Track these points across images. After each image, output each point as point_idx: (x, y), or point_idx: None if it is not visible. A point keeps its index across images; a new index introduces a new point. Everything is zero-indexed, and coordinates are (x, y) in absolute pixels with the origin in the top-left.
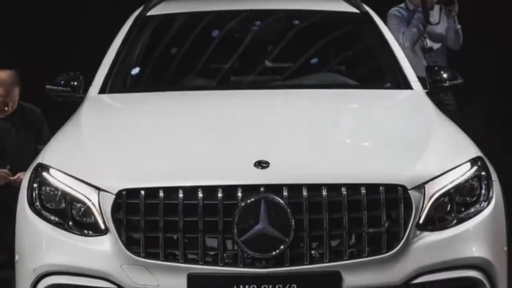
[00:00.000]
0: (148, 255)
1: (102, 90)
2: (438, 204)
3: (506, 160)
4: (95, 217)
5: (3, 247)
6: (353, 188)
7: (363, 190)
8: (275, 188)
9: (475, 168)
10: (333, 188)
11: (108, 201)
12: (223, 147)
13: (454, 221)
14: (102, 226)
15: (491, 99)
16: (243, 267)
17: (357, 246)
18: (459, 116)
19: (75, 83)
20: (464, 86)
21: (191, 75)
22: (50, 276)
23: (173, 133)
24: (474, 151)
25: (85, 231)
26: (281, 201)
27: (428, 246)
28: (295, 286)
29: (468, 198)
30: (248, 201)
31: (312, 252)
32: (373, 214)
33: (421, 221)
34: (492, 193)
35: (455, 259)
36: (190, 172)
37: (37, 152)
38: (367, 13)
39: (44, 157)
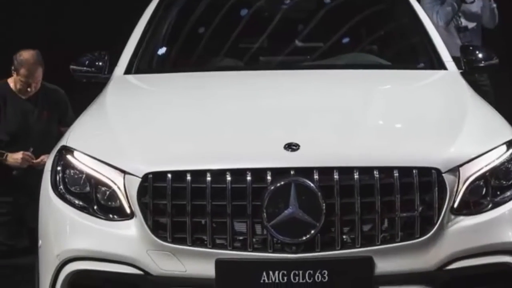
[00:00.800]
0: (175, 240)
1: (128, 71)
2: (473, 188)
3: None
4: (120, 201)
5: (26, 232)
6: (386, 171)
7: (396, 173)
8: (306, 171)
9: (511, 150)
10: (365, 171)
11: (134, 184)
12: (251, 129)
13: (490, 205)
14: (128, 211)
15: None
16: (273, 252)
17: (389, 231)
18: (494, 97)
19: (100, 63)
20: (499, 66)
21: (219, 55)
22: (74, 261)
23: (201, 115)
24: (510, 133)
25: (110, 216)
26: (312, 184)
27: (462, 231)
28: (326, 272)
29: (504, 182)
30: (278, 184)
31: (344, 237)
32: (406, 198)
33: (455, 205)
34: None
35: (490, 244)
36: (218, 155)
37: (60, 134)
38: None
39: (68, 139)
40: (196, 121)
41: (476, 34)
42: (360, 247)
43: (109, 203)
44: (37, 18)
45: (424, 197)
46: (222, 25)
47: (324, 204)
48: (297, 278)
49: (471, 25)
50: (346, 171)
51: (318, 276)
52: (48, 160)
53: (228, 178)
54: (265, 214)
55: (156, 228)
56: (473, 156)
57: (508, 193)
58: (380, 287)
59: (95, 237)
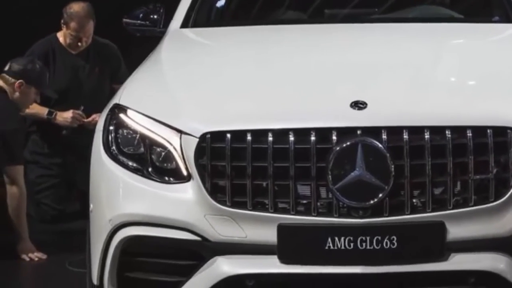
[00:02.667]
0: (234, 204)
1: (185, 24)
2: None
3: None
4: (176, 163)
5: (76, 196)
6: (458, 131)
7: (469, 133)
8: (373, 131)
9: None
10: (437, 131)
11: (191, 145)
12: (316, 86)
13: None
14: (185, 173)
15: None
16: (338, 217)
17: (462, 195)
18: None
19: (155, 17)
20: None
21: (281, 7)
22: (127, 227)
23: (262, 71)
24: None
25: (166, 178)
26: (380, 145)
27: None
28: (394, 238)
29: None
30: (344, 145)
31: (413, 201)
32: (480, 160)
33: None
34: None
35: None
36: (281, 114)
37: (113, 92)
38: None
39: (121, 97)
40: (257, 78)
41: None
42: (431, 212)
43: (165, 164)
44: None
45: (499, 158)
46: None
47: (392, 166)
48: (364, 244)
49: None
50: (416, 130)
51: (386, 242)
52: (100, 119)
53: (291, 138)
54: (330, 176)
55: (215, 192)
56: None
57: None
58: (452, 254)
59: (149, 200)
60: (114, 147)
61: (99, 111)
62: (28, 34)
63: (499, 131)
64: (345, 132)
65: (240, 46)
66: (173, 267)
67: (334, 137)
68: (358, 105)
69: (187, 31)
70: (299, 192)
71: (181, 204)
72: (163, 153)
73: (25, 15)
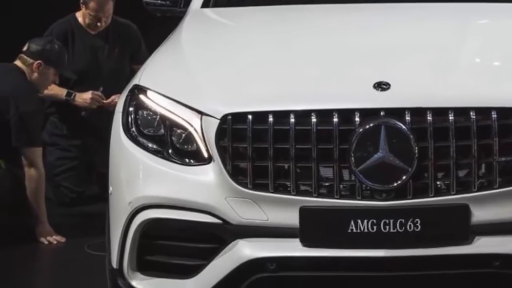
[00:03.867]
0: (255, 187)
1: (206, 4)
2: None
3: None
4: (197, 144)
5: (96, 178)
6: (483, 112)
7: (494, 115)
8: (397, 112)
9: None
10: (461, 112)
11: (212, 126)
12: (338, 67)
13: None
14: (205, 154)
15: None
16: (361, 199)
17: (487, 177)
18: None
19: None
20: None
21: None
22: (147, 209)
23: (284, 52)
24: None
25: (186, 160)
26: (403, 126)
27: None
28: (418, 220)
29: None
30: (367, 126)
31: (438, 183)
32: (505, 141)
33: None
34: None
35: None
36: (302, 95)
37: (133, 73)
38: None
39: (141, 78)
40: (279, 59)
41: None
42: (456, 194)
43: (185, 146)
44: None
45: None
46: None
47: (416, 148)
48: (387, 227)
49: None
50: (440, 112)
51: (410, 225)
52: (120, 100)
53: (313, 119)
54: (353, 158)
55: (236, 174)
56: None
57: None
58: (477, 237)
59: (170, 183)
60: (133, 129)
61: (119, 92)
62: (47, 14)
63: None
64: (368, 114)
65: (261, 27)
66: (194, 250)
67: (357, 119)
68: (382, 86)
69: (208, 11)
70: (321, 174)
71: (202, 187)
72: (183, 135)
73: None
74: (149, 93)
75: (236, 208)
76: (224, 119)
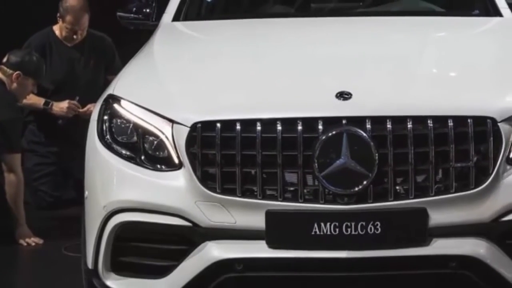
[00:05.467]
0: (224, 191)
1: (176, 18)
2: None
3: None
4: (168, 151)
5: (72, 183)
6: (440, 120)
7: (450, 123)
8: (358, 121)
9: None
10: (419, 120)
11: (182, 134)
12: (302, 77)
13: None
14: (176, 161)
15: None
16: (324, 203)
17: (444, 182)
18: None
19: (148, 10)
20: None
21: (269, 1)
22: (121, 213)
23: (250, 63)
24: None
25: (158, 166)
26: (364, 134)
27: None
28: (378, 223)
29: None
30: (329, 134)
31: (397, 188)
32: (460, 148)
33: (511, 155)
34: None
35: None
36: (269, 104)
37: (107, 83)
38: None
39: (115, 88)
40: (246, 70)
41: None
42: (414, 198)
43: (157, 153)
44: None
45: (479, 147)
46: None
47: (377, 154)
48: (349, 229)
49: None
50: (399, 120)
51: (370, 228)
52: (95, 109)
53: (279, 127)
54: (316, 164)
55: (205, 179)
56: None
57: None
58: (434, 239)
59: (142, 187)
60: (108, 136)
61: (94, 101)
62: (25, 27)
63: (479, 120)
64: (330, 122)
65: (229, 39)
66: (165, 252)
67: (320, 127)
68: (343, 95)
69: (179, 24)
70: (286, 179)
71: (173, 191)
72: (155, 142)
73: (23, 9)
74: (122, 102)
75: (206, 212)
76: (194, 127)
